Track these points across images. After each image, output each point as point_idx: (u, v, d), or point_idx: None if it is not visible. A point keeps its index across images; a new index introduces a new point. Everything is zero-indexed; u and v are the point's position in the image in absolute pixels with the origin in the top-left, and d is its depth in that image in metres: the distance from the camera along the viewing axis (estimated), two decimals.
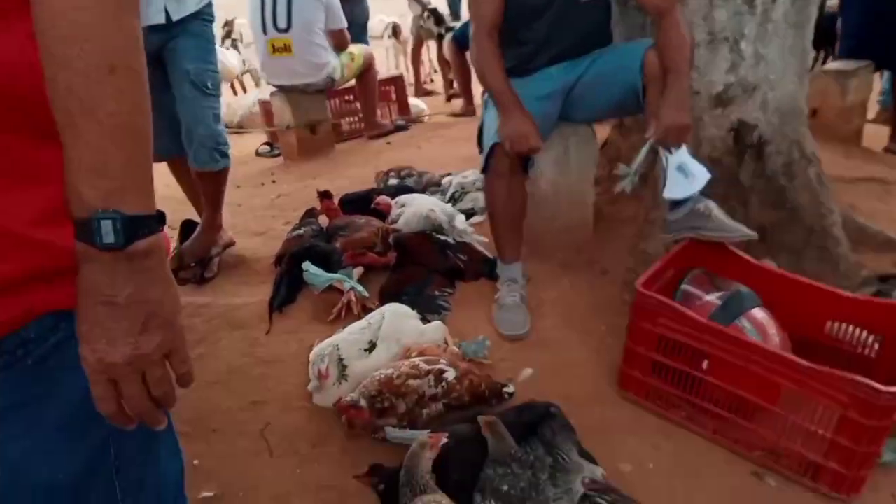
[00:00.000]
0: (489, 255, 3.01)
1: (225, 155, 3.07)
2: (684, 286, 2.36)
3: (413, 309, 2.60)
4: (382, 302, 2.74)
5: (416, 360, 2.22)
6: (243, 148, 6.27)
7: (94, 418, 0.83)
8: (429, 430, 2.02)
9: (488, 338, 2.54)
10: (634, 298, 2.19)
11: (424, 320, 2.59)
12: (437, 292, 2.83)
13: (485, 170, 2.66)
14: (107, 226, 0.74)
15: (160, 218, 0.80)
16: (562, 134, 2.94)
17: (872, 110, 5.52)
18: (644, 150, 2.42)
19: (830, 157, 4.18)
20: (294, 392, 2.40)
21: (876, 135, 4.97)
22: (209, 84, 2.95)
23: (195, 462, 2.12)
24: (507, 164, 2.58)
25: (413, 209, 3.17)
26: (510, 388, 2.30)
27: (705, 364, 2.10)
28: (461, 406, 2.21)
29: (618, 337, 2.51)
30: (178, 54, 2.89)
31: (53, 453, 0.83)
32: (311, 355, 2.33)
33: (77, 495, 0.87)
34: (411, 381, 2.14)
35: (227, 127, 7.37)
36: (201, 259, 3.23)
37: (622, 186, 2.50)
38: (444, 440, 1.89)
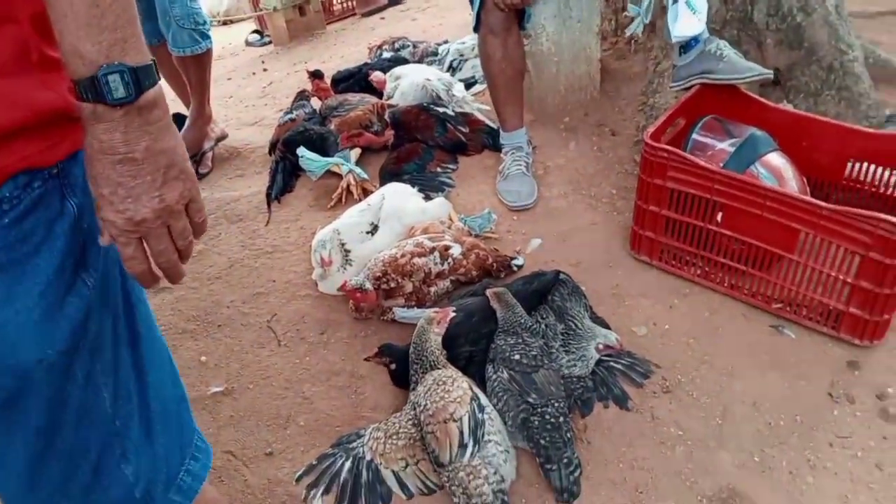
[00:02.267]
0: (492, 124, 2.93)
1: (206, 36, 2.97)
2: (695, 135, 2.27)
3: (415, 187, 2.56)
4: (383, 182, 2.71)
5: (420, 238, 2.20)
6: (232, 38, 6.10)
7: (72, 289, 0.83)
8: (436, 307, 2.02)
9: (494, 210, 2.50)
10: (642, 153, 2.13)
11: (427, 198, 2.56)
12: (439, 168, 2.78)
13: (476, 27, 2.55)
14: (115, 80, 0.73)
15: (156, 67, 0.78)
16: None
17: None
18: None
19: None
20: (298, 281, 2.41)
21: None
22: None
23: (202, 359, 2.16)
24: (500, 19, 2.46)
25: (408, 80, 3.08)
26: (519, 260, 2.29)
27: (720, 217, 2.06)
28: (469, 281, 2.21)
29: (628, 199, 2.50)
30: None
31: (37, 323, 0.81)
32: (313, 242, 2.31)
33: (62, 370, 0.86)
34: (416, 260, 2.13)
35: (213, 18, 7.25)
36: (194, 154, 3.18)
37: (633, 29, 2.39)
38: (452, 314, 1.89)
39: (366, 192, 2.70)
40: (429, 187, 2.66)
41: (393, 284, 2.12)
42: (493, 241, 2.43)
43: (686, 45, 2.29)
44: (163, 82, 2.69)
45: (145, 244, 0.82)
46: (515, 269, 2.28)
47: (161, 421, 1.01)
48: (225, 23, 6.84)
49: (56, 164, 0.81)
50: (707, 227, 2.09)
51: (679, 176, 2.07)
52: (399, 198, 2.42)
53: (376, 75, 3.25)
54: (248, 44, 5.85)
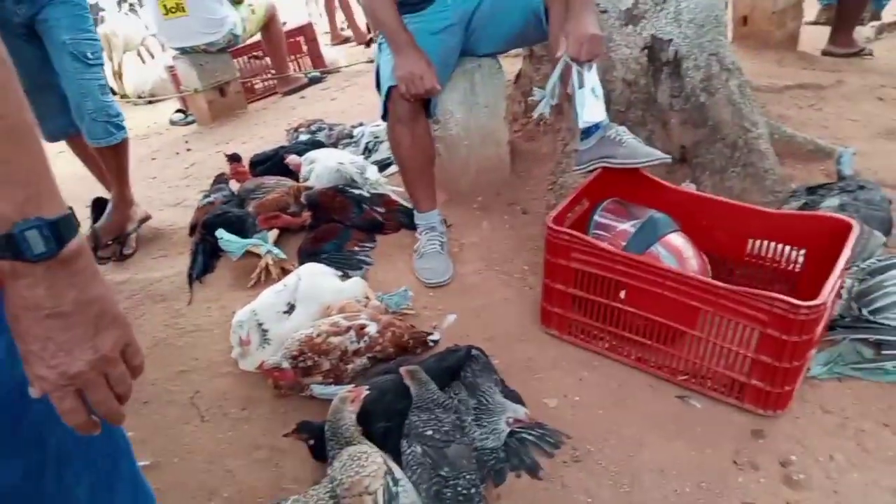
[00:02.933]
0: (407, 204, 3.03)
1: (120, 127, 3.02)
2: (597, 217, 2.37)
3: (334, 267, 2.62)
4: (301, 262, 2.75)
5: (336, 318, 2.26)
6: (157, 117, 6.15)
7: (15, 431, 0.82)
8: (352, 385, 2.07)
9: (410, 288, 2.58)
10: (546, 235, 2.22)
11: (346, 276, 2.61)
12: (356, 247, 2.85)
13: (385, 116, 2.64)
14: (34, 236, 0.70)
15: (73, 214, 0.78)
16: (466, 70, 2.91)
17: (813, 10, 5.34)
18: (557, 70, 2.36)
19: (761, 66, 4.24)
20: (220, 359, 2.44)
21: (815, 37, 4.86)
22: (89, 54, 2.86)
23: (129, 434, 2.13)
24: (406, 109, 2.56)
25: (322, 164, 3.17)
26: (435, 336, 2.36)
27: (623, 294, 2.14)
28: (387, 358, 2.26)
29: (539, 275, 2.53)
30: (50, 25, 2.79)
31: None
32: (233, 323, 2.35)
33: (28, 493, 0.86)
34: (332, 339, 2.19)
35: (139, 97, 7.30)
36: (118, 236, 3.20)
37: (540, 111, 2.47)
38: (365, 392, 1.94)
39: (284, 272, 2.75)
40: (347, 265, 2.73)
41: (310, 363, 2.16)
42: (411, 317, 2.50)
43: (587, 131, 2.38)
44: (81, 168, 2.68)
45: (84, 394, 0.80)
46: (431, 344, 2.34)
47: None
48: (150, 101, 6.89)
49: None
50: (612, 305, 2.17)
51: (582, 257, 2.16)
52: (315, 278, 2.48)
53: (292, 159, 3.34)
54: (172, 123, 5.90)
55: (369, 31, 7.71)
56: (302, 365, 2.16)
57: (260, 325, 2.31)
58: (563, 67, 2.34)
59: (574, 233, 2.17)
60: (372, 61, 6.40)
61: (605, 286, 2.16)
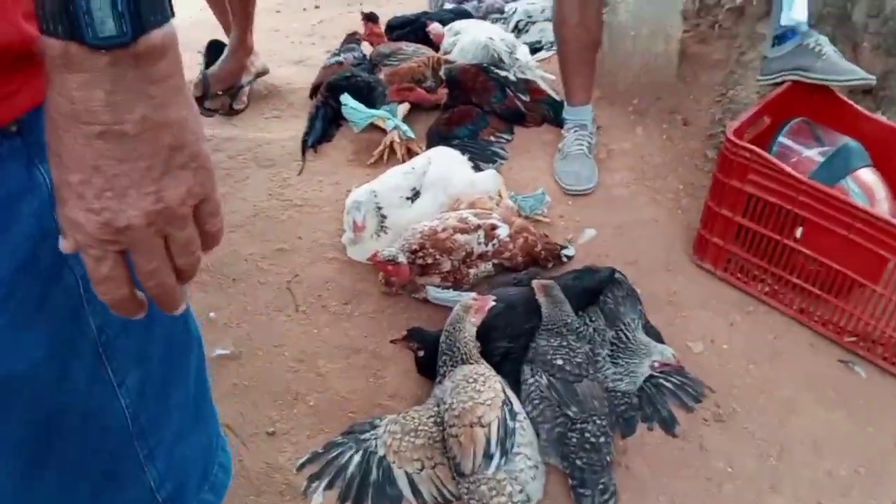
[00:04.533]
0: (556, 96, 2.75)
1: None
2: (781, 138, 2.10)
3: (464, 154, 2.40)
4: (430, 145, 2.54)
5: (465, 213, 2.04)
6: None
7: (53, 281, 0.63)
8: (475, 293, 1.87)
9: (548, 192, 2.33)
10: (721, 149, 1.95)
11: (477, 168, 2.40)
12: (492, 137, 2.61)
13: None
14: (101, 6, 0.48)
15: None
16: None
17: None
18: None
19: None
20: (326, 241, 2.27)
21: None
22: None
23: (211, 314, 2.03)
24: None
25: (469, 37, 2.88)
26: (569, 251, 2.14)
27: (799, 232, 1.90)
28: (513, 267, 2.06)
29: (696, 197, 2.33)
30: None
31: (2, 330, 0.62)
32: (347, 202, 2.16)
33: (52, 379, 0.68)
34: (458, 236, 1.98)
35: None
36: (230, 87, 3.01)
37: None
38: (492, 303, 1.74)
39: (410, 153, 2.55)
40: (480, 156, 2.49)
41: (430, 260, 1.97)
42: (544, 225, 2.27)
43: (782, 36, 2.11)
44: (203, 6, 2.43)
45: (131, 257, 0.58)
46: (565, 259, 2.13)
47: (194, 415, 0.85)
48: None
49: (14, 120, 0.59)
50: (783, 242, 1.93)
51: (760, 181, 1.90)
52: (447, 164, 2.26)
53: (435, 27, 3.06)
54: None
55: None
56: (420, 261, 1.98)
57: (379, 208, 2.12)
58: None
59: (756, 150, 1.90)
60: None
61: (781, 219, 1.92)
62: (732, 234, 2.03)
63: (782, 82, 2.13)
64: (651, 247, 2.21)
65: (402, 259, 1.95)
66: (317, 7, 4.58)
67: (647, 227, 2.28)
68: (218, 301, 2.07)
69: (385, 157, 2.56)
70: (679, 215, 2.32)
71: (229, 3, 2.88)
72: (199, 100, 2.93)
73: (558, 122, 2.65)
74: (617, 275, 1.93)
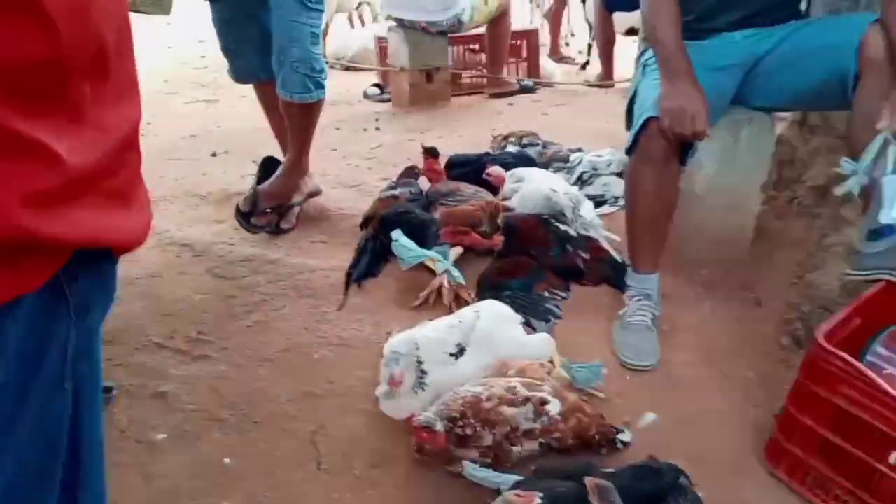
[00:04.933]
0: (618, 257, 2.60)
1: (320, 85, 2.73)
2: (877, 347, 1.89)
3: (515, 310, 2.23)
4: (480, 294, 2.40)
5: (514, 382, 1.84)
6: (351, 87, 5.98)
7: None
8: (517, 479, 1.67)
9: (604, 364, 2.13)
10: (809, 353, 1.74)
11: (528, 326, 2.23)
12: (546, 293, 2.45)
13: (630, 150, 2.25)
14: None
15: None
16: (734, 121, 2.49)
17: None
18: (875, 146, 1.94)
19: None
20: (359, 389, 2.08)
21: None
22: None
23: (226, 461, 1.83)
24: (661, 148, 2.16)
25: (531, 186, 2.77)
26: (626, 436, 1.92)
27: (893, 457, 1.64)
28: (562, 449, 1.84)
29: (768, 389, 2.11)
30: None
31: None
32: (385, 350, 1.98)
33: None
34: (504, 409, 1.78)
35: (337, 61, 7.24)
36: (279, 206, 2.92)
37: (847, 188, 2.03)
38: (538, 502, 1.51)
39: (458, 300, 2.40)
40: (532, 312, 2.33)
41: (469, 432, 1.76)
42: (598, 400, 2.06)
43: (879, 231, 1.91)
44: (262, 118, 2.31)
45: None
46: (620, 446, 1.90)
47: None
48: (348, 68, 6.79)
49: None
50: (875, 466, 1.67)
51: (853, 395, 1.67)
52: (497, 321, 2.08)
53: (495, 170, 2.95)
54: (366, 96, 5.72)
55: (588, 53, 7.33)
56: (459, 431, 1.76)
57: (419, 363, 1.93)
58: (881, 144, 1.92)
59: (851, 361, 1.67)
60: (589, 85, 6.11)
61: (874, 439, 1.66)
62: (814, 446, 1.78)
63: (876, 280, 1.93)
64: (717, 443, 1.97)
65: (439, 427, 1.74)
66: (377, 129, 4.58)
67: (713, 418, 2.05)
68: (235, 446, 1.88)
69: (431, 300, 2.41)
70: (749, 410, 2.08)
71: (288, 123, 2.82)
72: (247, 215, 2.83)
73: (618, 285, 2.48)
74: (682, 479, 1.70)
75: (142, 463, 1.82)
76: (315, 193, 3.11)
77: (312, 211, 3.08)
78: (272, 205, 2.91)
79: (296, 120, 2.82)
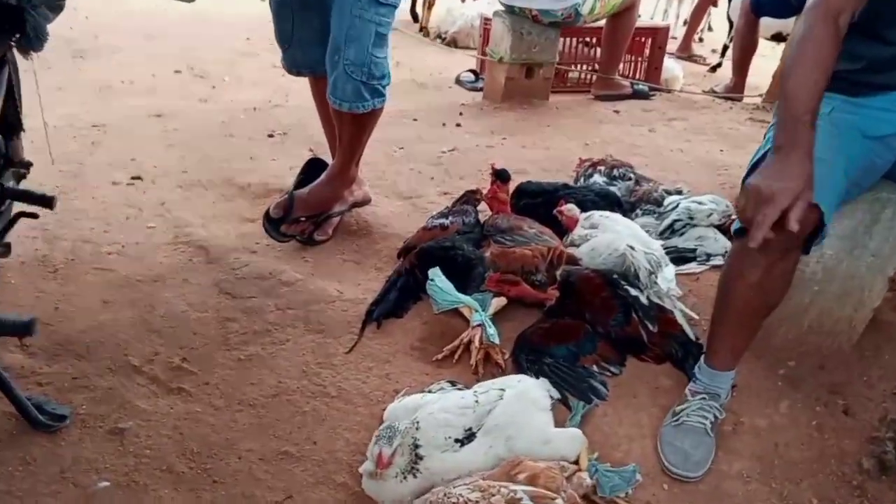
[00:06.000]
0: (691, 334, 2.35)
1: (378, 93, 2.54)
2: None
3: (554, 382, 2.07)
4: (515, 355, 2.21)
5: (519, 492, 1.64)
6: (446, 68, 5.82)
7: None
8: None
9: (641, 467, 1.91)
10: None
11: (563, 404, 2.05)
12: (595, 367, 2.22)
13: (742, 232, 1.89)
14: None
15: None
16: (876, 199, 2.19)
17: None
18: None
19: None
20: (343, 455, 1.92)
21: None
22: None
23: None
24: (781, 236, 1.74)
25: (606, 238, 2.54)
26: None
27: None
28: None
29: None
30: None
31: None
32: (385, 416, 1.81)
33: None
34: None
35: (438, 37, 7.09)
36: (315, 215, 2.77)
37: None
38: None
39: (487, 359, 2.21)
40: (572, 388, 2.11)
41: None
42: None
43: None
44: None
45: None
46: None
47: None
48: (448, 43, 6.63)
49: None
50: None
51: None
52: (521, 407, 1.88)
53: (569, 209, 2.71)
54: (457, 82, 5.57)
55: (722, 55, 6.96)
56: None
57: (416, 446, 1.76)
58: None
59: None
60: (715, 95, 5.74)
61: None
62: None
63: None
64: None
65: None
66: (458, 125, 4.40)
67: None
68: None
69: (457, 356, 2.23)
70: None
71: (338, 130, 2.66)
72: (277, 223, 2.71)
73: (684, 367, 2.24)
74: None
75: None
76: (362, 203, 2.96)
77: (353, 223, 2.92)
78: (307, 214, 2.76)
79: (346, 129, 2.64)
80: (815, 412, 2.21)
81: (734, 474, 2.00)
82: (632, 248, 2.48)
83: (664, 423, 2.09)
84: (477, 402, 1.87)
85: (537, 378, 2.09)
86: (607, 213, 2.76)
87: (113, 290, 2.50)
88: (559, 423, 1.97)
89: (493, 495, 1.62)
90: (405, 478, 1.75)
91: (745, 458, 2.05)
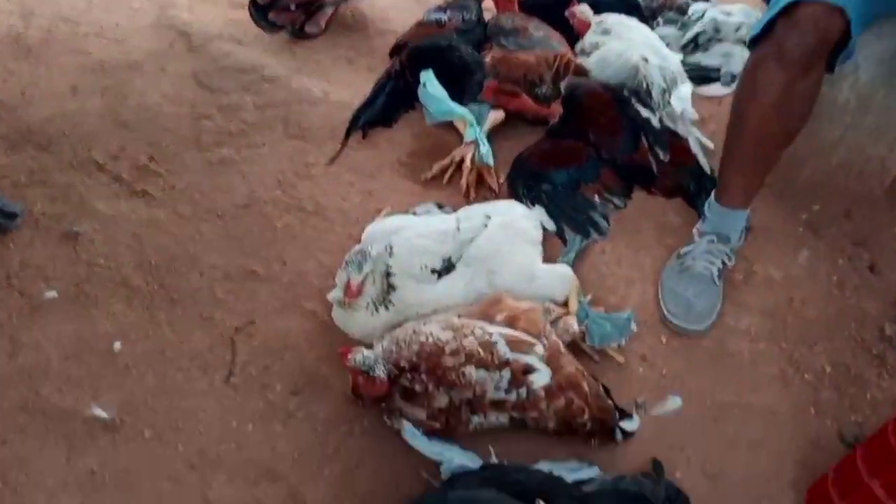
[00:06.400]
0: (706, 166, 2.13)
1: None
2: None
3: (551, 214, 1.91)
4: (511, 179, 2.03)
5: (495, 334, 1.50)
6: None
7: None
8: (462, 461, 1.46)
9: (637, 315, 1.77)
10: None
11: (560, 237, 1.91)
12: (597, 196, 2.03)
13: (757, 40, 1.70)
14: None
15: None
16: None
17: None
18: None
19: None
20: (314, 279, 1.80)
21: None
22: None
23: (115, 345, 1.62)
24: (806, 45, 1.60)
25: (618, 46, 2.26)
26: (631, 424, 1.61)
27: None
28: (540, 429, 1.55)
29: (843, 394, 1.77)
30: None
31: None
32: (351, 251, 1.64)
33: None
34: (471, 370, 1.48)
35: None
36: (307, 3, 2.49)
37: None
38: None
39: (480, 181, 2.04)
40: (570, 220, 1.96)
41: (419, 388, 1.48)
42: (609, 363, 1.73)
43: None
44: None
45: None
46: (619, 437, 1.59)
47: None
48: None
49: None
50: None
51: None
52: (507, 238, 1.72)
53: (581, 10, 2.40)
54: None
55: None
56: (405, 384, 1.47)
57: (388, 274, 1.62)
58: None
59: None
60: None
61: None
62: None
63: None
64: (750, 458, 1.64)
65: (381, 372, 1.45)
66: None
67: (755, 420, 1.70)
68: (136, 327, 1.65)
69: (447, 177, 2.05)
70: (811, 419, 1.72)
71: None
72: (264, 9, 2.44)
73: (695, 203, 2.04)
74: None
75: (14, 325, 1.61)
76: None
77: (349, 16, 2.65)
78: (298, 1, 2.47)
79: None
80: (837, 266, 2.05)
81: (741, 331, 1.89)
82: (646, 59, 2.22)
83: (667, 266, 1.93)
84: (459, 228, 1.70)
85: (532, 206, 1.93)
86: (624, 17, 2.45)
87: (85, 74, 2.32)
88: (551, 259, 1.81)
89: (466, 336, 1.50)
90: (376, 309, 1.62)
91: (754, 312, 1.92)
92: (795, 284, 1.98)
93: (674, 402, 1.67)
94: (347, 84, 2.35)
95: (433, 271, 1.64)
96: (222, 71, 2.34)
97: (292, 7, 2.49)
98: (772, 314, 1.91)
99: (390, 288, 1.61)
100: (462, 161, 2.02)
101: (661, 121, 2.16)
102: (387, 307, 1.61)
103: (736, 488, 1.59)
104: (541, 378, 1.48)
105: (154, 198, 1.91)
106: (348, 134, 2.15)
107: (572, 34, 2.44)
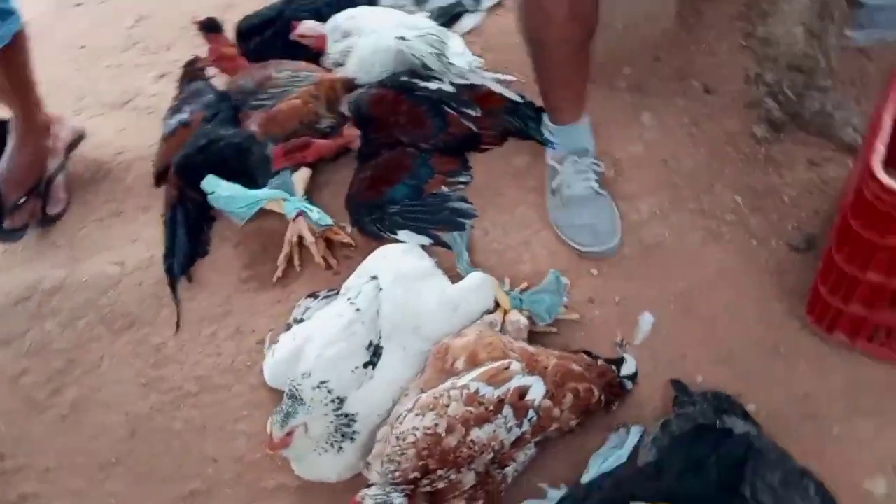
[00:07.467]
0: (516, 96, 2.03)
1: (5, 15, 1.95)
2: None
3: (414, 229, 1.81)
4: (355, 221, 1.90)
5: (471, 383, 1.36)
6: None
7: None
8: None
9: (557, 269, 1.69)
10: (862, 192, 1.29)
11: (441, 244, 1.81)
12: (444, 187, 1.92)
13: None
14: None
15: None
16: None
17: None
18: None
19: None
20: (255, 455, 1.57)
21: None
22: None
23: None
24: None
25: (368, 41, 2.12)
26: (629, 367, 1.55)
27: None
28: (566, 433, 1.46)
29: (765, 213, 1.78)
30: None
31: None
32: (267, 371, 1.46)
33: None
34: (476, 432, 1.34)
35: None
36: (36, 185, 2.20)
37: None
38: None
39: (330, 245, 1.87)
40: (437, 223, 1.85)
41: (443, 484, 1.33)
42: (573, 326, 1.65)
43: None
44: None
45: None
46: (629, 386, 1.53)
47: None
48: None
49: None
50: None
51: None
52: (406, 287, 1.58)
53: (308, 27, 2.20)
54: None
55: None
56: (428, 488, 1.33)
57: (331, 399, 1.42)
58: None
59: None
60: None
61: None
62: (883, 300, 1.42)
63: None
64: (738, 320, 1.62)
65: (399, 500, 1.28)
66: None
67: (719, 286, 1.68)
68: None
69: (297, 262, 1.86)
70: (753, 248, 1.72)
71: None
72: None
73: (526, 133, 1.98)
74: (752, 433, 1.31)
75: None
76: (77, 141, 2.36)
77: (82, 170, 2.31)
78: (25, 191, 2.18)
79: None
80: (679, 106, 2.05)
81: (646, 218, 1.85)
82: (402, 38, 2.09)
83: (549, 206, 1.85)
84: (358, 309, 1.53)
85: (394, 234, 1.81)
86: (350, 11, 2.29)
87: None
88: (450, 270, 1.71)
89: (447, 406, 1.35)
90: (340, 446, 1.44)
91: (646, 194, 1.89)
92: (657, 144, 1.97)
93: (646, 320, 1.65)
94: (134, 237, 2.07)
95: (365, 365, 1.48)
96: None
97: (22, 200, 2.20)
98: (659, 184, 1.89)
99: (349, 421, 1.43)
100: (301, 239, 1.84)
101: (452, 83, 2.04)
102: (352, 438, 1.43)
103: (748, 351, 1.56)
104: (537, 390, 1.37)
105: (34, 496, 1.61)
106: (174, 288, 1.89)
107: (314, 53, 2.26)
